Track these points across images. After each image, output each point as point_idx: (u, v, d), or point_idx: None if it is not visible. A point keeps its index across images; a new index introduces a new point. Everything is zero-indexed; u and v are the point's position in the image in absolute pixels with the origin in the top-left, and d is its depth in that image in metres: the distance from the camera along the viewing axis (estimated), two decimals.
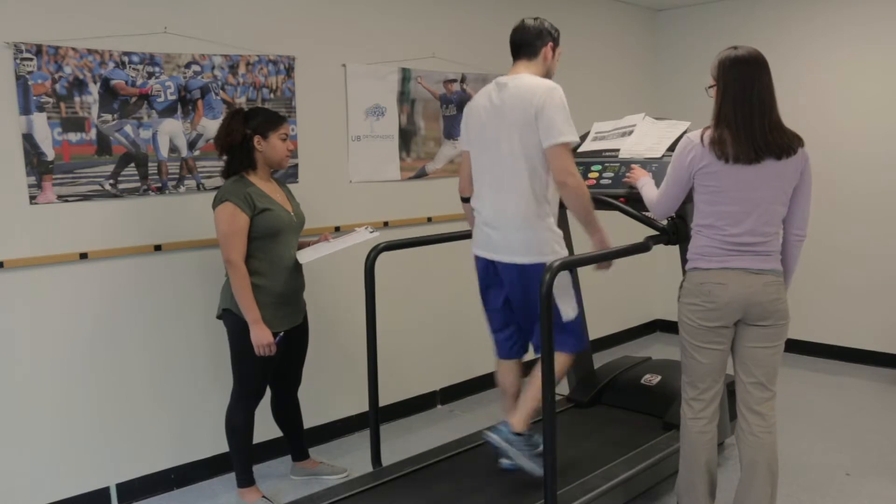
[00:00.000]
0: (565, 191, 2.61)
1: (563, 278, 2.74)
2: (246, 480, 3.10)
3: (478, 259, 2.87)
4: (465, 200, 2.94)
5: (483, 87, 2.86)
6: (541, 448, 2.72)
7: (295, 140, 3.57)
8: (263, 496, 3.13)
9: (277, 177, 3.22)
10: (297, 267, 3.06)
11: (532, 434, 2.81)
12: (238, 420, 3.04)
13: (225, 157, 2.97)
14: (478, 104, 2.78)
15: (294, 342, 3.15)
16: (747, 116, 2.33)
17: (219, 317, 3.04)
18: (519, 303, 2.78)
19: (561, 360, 2.77)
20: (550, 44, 2.74)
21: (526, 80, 2.65)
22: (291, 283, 3.02)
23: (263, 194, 2.92)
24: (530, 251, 2.67)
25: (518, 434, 2.74)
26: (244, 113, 2.96)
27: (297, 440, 3.38)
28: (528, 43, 2.73)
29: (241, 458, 3.09)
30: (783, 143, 2.35)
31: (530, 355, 2.95)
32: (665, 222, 2.97)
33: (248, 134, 2.91)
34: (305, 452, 3.41)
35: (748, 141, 2.33)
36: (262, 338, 2.87)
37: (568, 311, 2.75)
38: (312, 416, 3.76)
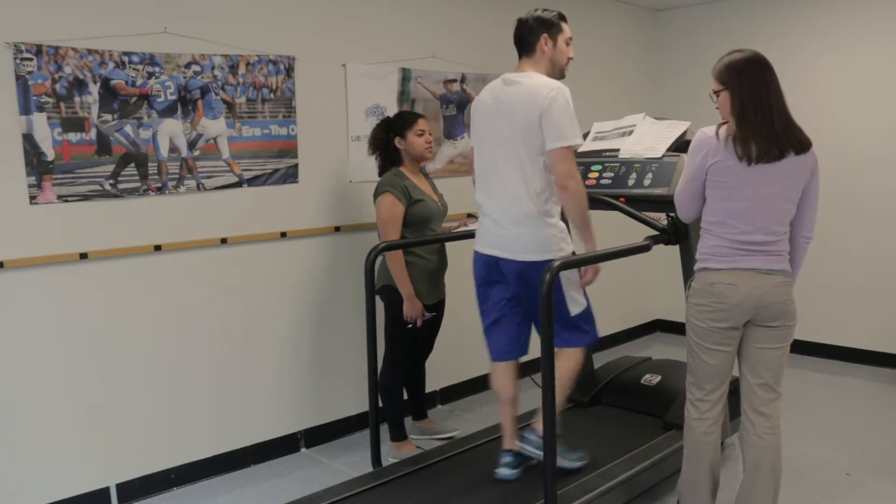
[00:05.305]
0: (565, 194, 2.59)
1: (571, 271, 2.73)
2: (399, 435, 3.51)
3: (479, 255, 2.83)
4: None
5: (483, 86, 2.86)
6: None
7: (295, 140, 3.58)
8: (417, 447, 3.50)
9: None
10: (441, 248, 3.51)
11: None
12: (391, 383, 3.46)
13: (378, 159, 3.48)
14: (483, 100, 2.77)
15: (435, 313, 3.53)
16: (767, 117, 2.33)
17: (376, 292, 3.37)
18: (530, 300, 2.72)
19: (574, 355, 2.80)
20: (545, 35, 2.68)
21: (532, 79, 2.62)
22: (438, 262, 3.47)
23: (416, 187, 3.37)
24: (537, 249, 2.64)
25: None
26: (387, 120, 3.47)
27: (419, 402, 3.80)
28: (524, 40, 2.72)
29: (394, 416, 3.49)
30: (803, 139, 2.37)
31: (529, 356, 2.95)
32: (665, 222, 2.96)
33: (390, 136, 3.39)
34: (424, 413, 3.83)
35: (771, 139, 2.33)
36: (414, 310, 3.33)
37: (580, 301, 2.75)
38: (313, 416, 3.77)
